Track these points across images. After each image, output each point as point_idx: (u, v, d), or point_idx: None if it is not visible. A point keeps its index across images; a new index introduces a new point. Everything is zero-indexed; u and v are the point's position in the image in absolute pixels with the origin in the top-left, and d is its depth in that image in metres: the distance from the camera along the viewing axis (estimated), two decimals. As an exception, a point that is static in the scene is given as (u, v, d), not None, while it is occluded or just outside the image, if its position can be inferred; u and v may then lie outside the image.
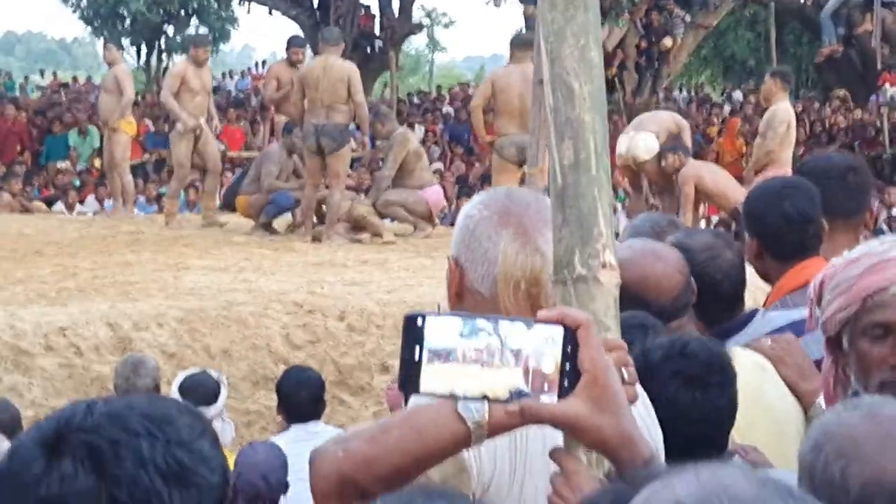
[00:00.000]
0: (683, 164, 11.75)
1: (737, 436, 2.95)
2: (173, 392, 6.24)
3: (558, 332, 1.77)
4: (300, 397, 6.45)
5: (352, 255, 11.28)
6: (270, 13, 30.65)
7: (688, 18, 23.73)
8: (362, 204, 12.36)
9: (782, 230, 3.74)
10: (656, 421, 2.48)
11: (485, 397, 1.78)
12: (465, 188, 18.43)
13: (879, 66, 23.17)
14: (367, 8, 30.32)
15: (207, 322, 8.69)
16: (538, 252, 2.29)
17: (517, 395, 1.76)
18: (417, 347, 1.74)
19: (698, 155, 23.14)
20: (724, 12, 24.22)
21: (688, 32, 23.58)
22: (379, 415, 8.11)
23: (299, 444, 6.05)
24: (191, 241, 12.30)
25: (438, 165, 21.70)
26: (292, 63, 13.46)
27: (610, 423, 1.80)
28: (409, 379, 1.75)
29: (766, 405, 2.89)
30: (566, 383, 1.77)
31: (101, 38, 36.30)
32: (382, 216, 12.41)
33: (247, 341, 8.65)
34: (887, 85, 25.89)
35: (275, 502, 5.46)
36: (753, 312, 3.63)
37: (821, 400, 3.10)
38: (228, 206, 13.62)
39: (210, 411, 6.16)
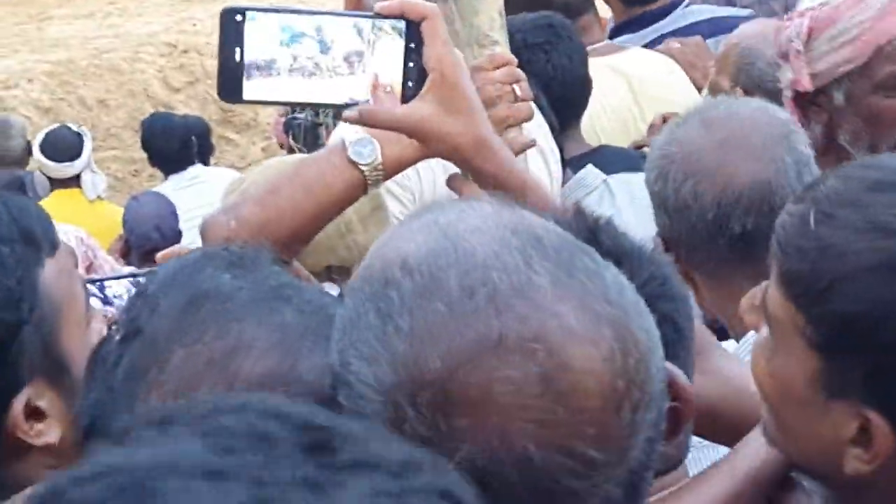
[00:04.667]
0: None
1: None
2: (36, 152, 6.00)
3: (400, 26, 1.54)
4: (169, 147, 6.22)
5: (221, -13, 10.87)
6: None
7: None
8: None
9: None
10: (552, 142, 2.38)
11: (317, 105, 1.59)
12: None
13: None
14: None
15: (78, 73, 8.35)
16: None
17: (353, 102, 1.54)
18: (238, 49, 1.50)
19: None
20: None
21: None
22: (268, 150, 7.95)
23: (180, 191, 5.89)
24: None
25: None
26: None
27: (462, 128, 1.58)
28: (229, 84, 1.52)
29: (674, 106, 2.80)
30: (410, 84, 1.55)
31: None
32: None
33: (122, 88, 8.36)
34: None
35: (170, 252, 5.35)
36: (677, 2, 3.53)
37: None
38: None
39: (76, 166, 5.96)
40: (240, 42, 1.50)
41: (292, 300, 1.04)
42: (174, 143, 6.20)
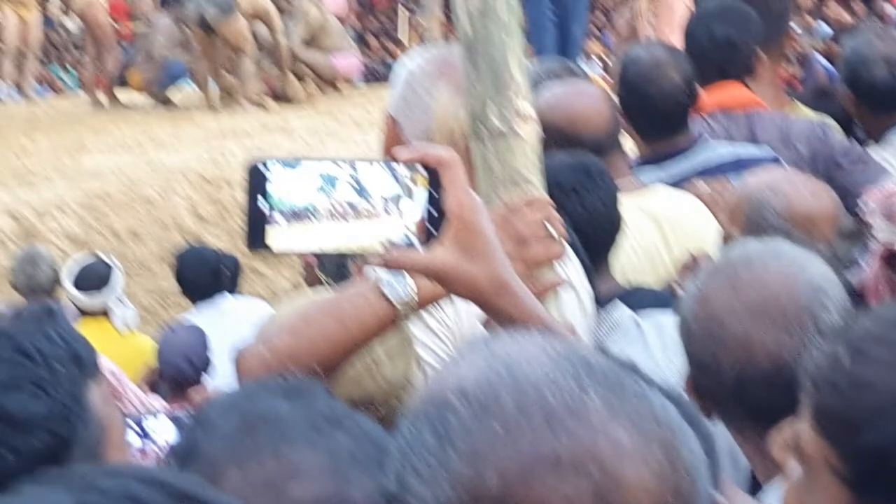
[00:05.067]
0: None
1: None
2: (67, 285, 6.06)
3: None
4: (201, 278, 6.28)
5: (254, 122, 11.02)
6: None
7: None
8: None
9: (707, 51, 3.84)
10: (586, 282, 2.40)
11: (349, 253, 1.64)
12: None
13: None
14: None
15: (111, 204, 8.47)
16: None
17: (392, 246, 1.58)
18: (261, 197, 1.54)
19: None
20: None
21: None
22: (296, 282, 8.00)
23: (207, 320, 5.91)
24: (87, 121, 11.95)
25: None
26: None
27: (482, 271, 1.61)
28: (255, 233, 1.56)
29: (704, 244, 2.84)
30: (430, 228, 1.58)
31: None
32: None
33: (154, 220, 8.46)
34: None
35: (198, 382, 5.37)
36: (698, 138, 3.59)
37: None
38: (120, 81, 13.21)
39: (105, 296, 6.02)
40: (263, 192, 1.54)
41: (345, 426, 1.08)
42: (205, 275, 6.27)
